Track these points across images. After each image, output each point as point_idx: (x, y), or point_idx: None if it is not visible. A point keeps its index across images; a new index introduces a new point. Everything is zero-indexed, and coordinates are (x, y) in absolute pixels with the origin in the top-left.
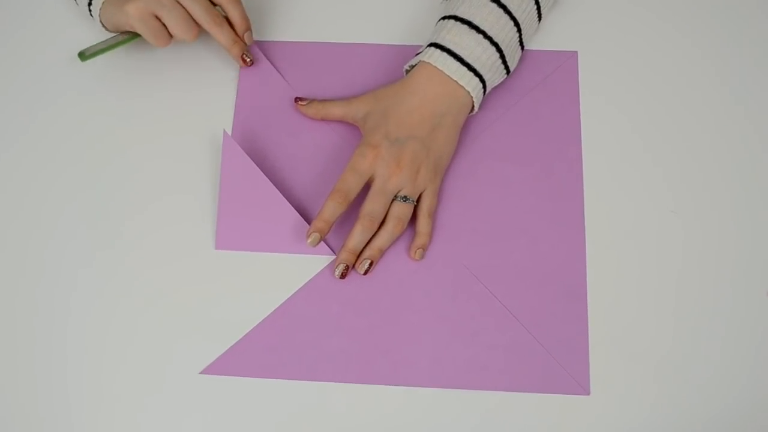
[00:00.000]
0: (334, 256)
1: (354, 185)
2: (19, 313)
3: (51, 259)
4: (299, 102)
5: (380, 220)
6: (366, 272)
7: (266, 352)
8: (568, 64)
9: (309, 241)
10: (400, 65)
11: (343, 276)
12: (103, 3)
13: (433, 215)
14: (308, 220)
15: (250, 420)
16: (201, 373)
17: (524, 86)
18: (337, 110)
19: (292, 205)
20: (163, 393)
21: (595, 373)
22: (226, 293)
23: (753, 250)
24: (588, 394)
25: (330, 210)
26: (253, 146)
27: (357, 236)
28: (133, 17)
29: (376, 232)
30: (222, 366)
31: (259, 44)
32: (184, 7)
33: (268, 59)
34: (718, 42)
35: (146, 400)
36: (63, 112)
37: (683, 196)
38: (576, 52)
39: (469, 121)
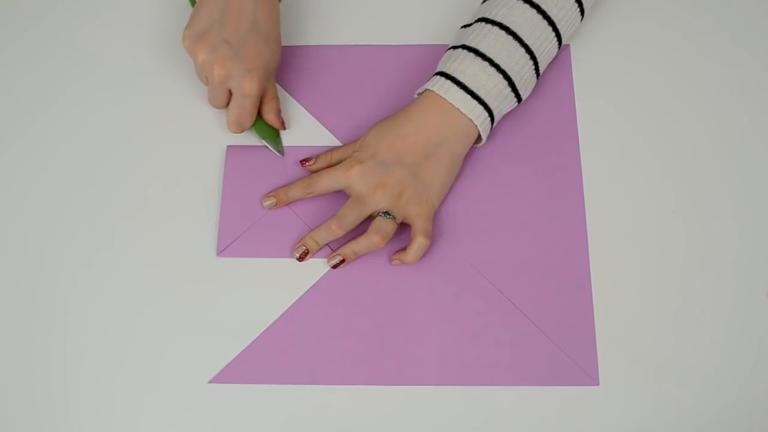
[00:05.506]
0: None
1: (325, 184)
2: (19, 316)
3: (51, 259)
4: (306, 163)
5: (348, 229)
6: (335, 267)
7: (274, 358)
8: (561, 57)
9: (266, 203)
10: (403, 66)
11: (300, 259)
12: None
13: (429, 239)
14: (309, 226)
15: (260, 427)
16: (210, 382)
17: None
18: (346, 154)
19: (293, 211)
20: (166, 400)
21: (602, 363)
22: (228, 298)
23: (753, 250)
24: (597, 384)
25: (294, 190)
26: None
27: (322, 231)
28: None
29: (353, 238)
30: (231, 374)
31: None
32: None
33: None
34: (712, 32)
35: (148, 406)
36: (63, 111)
37: (681, 189)
38: (568, 45)
39: None
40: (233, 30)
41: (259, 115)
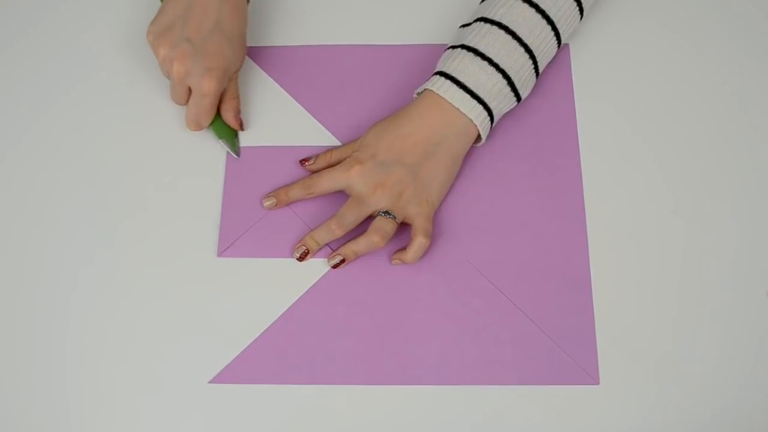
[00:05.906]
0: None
1: (325, 185)
2: (19, 316)
3: (51, 259)
4: (305, 163)
5: (348, 229)
6: (335, 267)
7: (274, 358)
8: (560, 57)
9: (266, 204)
10: (403, 66)
11: (300, 259)
12: None
13: (429, 239)
14: (309, 227)
15: (260, 427)
16: (210, 382)
17: None
18: (346, 154)
19: (293, 211)
20: (166, 400)
21: (602, 362)
22: (229, 298)
23: (753, 250)
24: (597, 383)
25: (294, 190)
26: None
27: (322, 231)
28: (159, 61)
29: (353, 238)
30: (231, 374)
31: (253, 49)
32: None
33: (263, 65)
34: (712, 32)
35: (149, 406)
36: (64, 111)
37: (681, 189)
38: (568, 44)
39: None
40: (196, 28)
41: (219, 114)
